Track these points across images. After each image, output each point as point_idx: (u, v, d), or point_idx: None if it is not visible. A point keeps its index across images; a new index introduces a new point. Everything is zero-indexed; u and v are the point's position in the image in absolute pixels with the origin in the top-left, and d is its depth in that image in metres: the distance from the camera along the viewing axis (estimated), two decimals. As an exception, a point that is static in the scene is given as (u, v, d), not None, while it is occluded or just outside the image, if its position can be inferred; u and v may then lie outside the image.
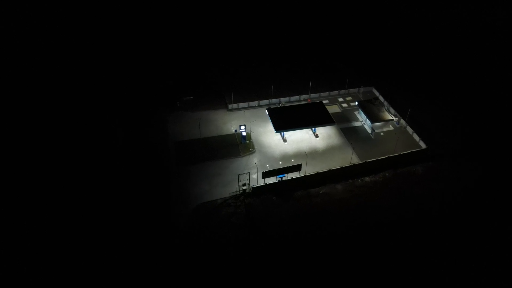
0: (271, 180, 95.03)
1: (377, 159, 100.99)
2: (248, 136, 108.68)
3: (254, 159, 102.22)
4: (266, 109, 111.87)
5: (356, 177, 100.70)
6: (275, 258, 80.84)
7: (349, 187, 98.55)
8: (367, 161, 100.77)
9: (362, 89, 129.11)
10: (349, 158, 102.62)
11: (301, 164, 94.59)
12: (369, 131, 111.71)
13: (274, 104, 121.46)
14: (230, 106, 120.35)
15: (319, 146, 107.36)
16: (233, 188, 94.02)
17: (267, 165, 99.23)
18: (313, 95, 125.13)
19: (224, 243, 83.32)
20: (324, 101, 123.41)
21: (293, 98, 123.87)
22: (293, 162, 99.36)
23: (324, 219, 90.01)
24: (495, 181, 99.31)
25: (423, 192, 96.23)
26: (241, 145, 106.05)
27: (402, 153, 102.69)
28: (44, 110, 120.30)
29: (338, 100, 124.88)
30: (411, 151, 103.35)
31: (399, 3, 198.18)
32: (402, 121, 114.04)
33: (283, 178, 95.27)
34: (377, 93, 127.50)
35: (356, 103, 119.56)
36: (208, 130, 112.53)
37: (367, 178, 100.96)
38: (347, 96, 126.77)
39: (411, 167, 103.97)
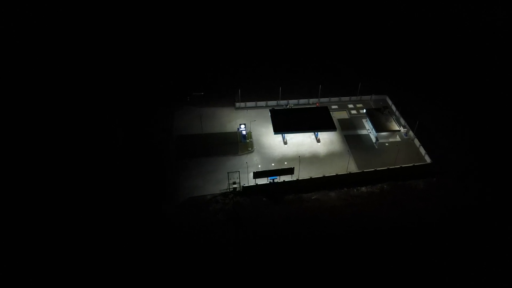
0: (263, 181, 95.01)
1: (375, 170, 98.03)
2: (249, 135, 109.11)
3: (250, 159, 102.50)
4: (270, 110, 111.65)
5: (352, 186, 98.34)
6: (258, 257, 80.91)
7: (343, 196, 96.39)
8: (365, 170, 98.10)
9: (374, 97, 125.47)
10: (344, 165, 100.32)
11: (293, 167, 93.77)
12: (374, 140, 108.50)
13: (282, 105, 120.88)
14: (237, 104, 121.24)
15: (319, 151, 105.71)
16: (224, 186, 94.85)
17: (259, 166, 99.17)
18: (322, 100, 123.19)
19: (207, 239, 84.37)
20: (333, 106, 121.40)
21: (302, 101, 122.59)
22: (286, 165, 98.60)
23: (314, 224, 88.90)
24: (501, 204, 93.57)
25: (425, 207, 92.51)
26: (241, 144, 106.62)
27: (403, 165, 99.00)
28: (44, 110, 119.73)
29: (348, 106, 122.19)
30: (414, 165, 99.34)
31: (403, 5, 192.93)
32: (411, 133, 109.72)
33: (275, 180, 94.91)
34: (390, 102, 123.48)
35: (364, 110, 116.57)
36: (212, 126, 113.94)
37: (363, 188, 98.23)
38: (358, 103, 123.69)
39: (412, 181, 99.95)
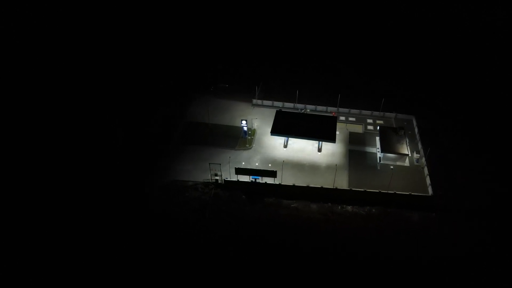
0: (247, 178, 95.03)
1: (365, 190, 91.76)
2: (253, 132, 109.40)
3: (241, 155, 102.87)
4: (276, 110, 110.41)
5: (338, 202, 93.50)
6: (216, 253, 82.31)
7: (324, 210, 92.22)
8: (353, 189, 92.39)
9: (399, 115, 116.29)
10: (339, 180, 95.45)
11: (276, 171, 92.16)
12: (378, 160, 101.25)
13: (298, 109, 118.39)
14: (254, 101, 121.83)
15: (315, 161, 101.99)
16: (209, 176, 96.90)
17: (243, 163, 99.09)
18: (341, 110, 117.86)
19: (173, 225, 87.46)
20: (351, 119, 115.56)
21: (319, 107, 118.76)
22: (270, 167, 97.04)
23: (284, 231, 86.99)
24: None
25: (410, 243, 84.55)
26: (241, 140, 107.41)
27: (397, 192, 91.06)
28: (44, 110, 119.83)
29: (366, 121, 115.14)
30: (410, 194, 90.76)
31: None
32: (423, 160, 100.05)
33: (257, 180, 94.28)
34: (414, 123, 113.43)
35: (378, 127, 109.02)
36: (221, 118, 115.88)
37: (349, 208, 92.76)
38: (380, 119, 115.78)
39: (406, 210, 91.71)
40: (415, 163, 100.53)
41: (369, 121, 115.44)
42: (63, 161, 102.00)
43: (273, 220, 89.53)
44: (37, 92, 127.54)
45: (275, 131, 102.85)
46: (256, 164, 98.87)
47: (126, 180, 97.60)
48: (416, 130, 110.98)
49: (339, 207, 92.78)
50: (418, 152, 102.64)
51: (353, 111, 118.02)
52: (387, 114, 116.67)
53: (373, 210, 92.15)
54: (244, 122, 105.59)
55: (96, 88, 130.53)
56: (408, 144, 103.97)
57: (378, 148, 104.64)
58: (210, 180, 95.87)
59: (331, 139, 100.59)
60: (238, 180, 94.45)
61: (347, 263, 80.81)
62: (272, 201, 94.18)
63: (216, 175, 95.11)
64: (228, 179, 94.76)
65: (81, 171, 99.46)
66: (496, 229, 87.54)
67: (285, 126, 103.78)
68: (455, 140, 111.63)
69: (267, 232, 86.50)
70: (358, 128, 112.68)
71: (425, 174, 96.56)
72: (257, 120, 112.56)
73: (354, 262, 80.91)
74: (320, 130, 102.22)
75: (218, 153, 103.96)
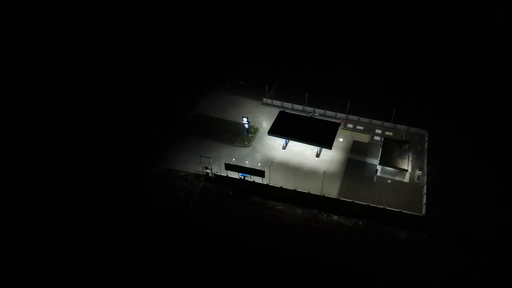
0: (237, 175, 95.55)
1: (353, 202, 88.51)
2: (255, 130, 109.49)
3: (240, 152, 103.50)
4: (280, 111, 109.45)
5: (324, 211, 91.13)
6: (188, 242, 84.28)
7: (309, 216, 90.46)
8: (341, 198, 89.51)
9: (411, 129, 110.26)
10: (331, 188, 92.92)
11: (264, 171, 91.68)
12: (378, 172, 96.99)
13: (307, 112, 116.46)
14: (264, 100, 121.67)
15: (311, 166, 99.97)
16: (210, 166, 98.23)
17: (233, 159, 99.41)
18: (351, 117, 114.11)
19: (156, 210, 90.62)
20: (359, 127, 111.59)
21: (328, 113, 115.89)
22: (259, 166, 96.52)
23: (261, 231, 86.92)
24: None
25: (394, 260, 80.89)
26: (242, 136, 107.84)
27: (386, 207, 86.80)
28: (44, 110, 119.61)
29: (375, 131, 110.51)
30: (400, 211, 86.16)
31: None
32: (424, 179, 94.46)
33: (246, 178, 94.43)
34: (426, 138, 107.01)
35: (382, 138, 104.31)
36: (229, 114, 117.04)
37: (335, 217, 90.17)
38: (390, 131, 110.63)
39: (394, 228, 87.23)
40: (416, 180, 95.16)
41: (378, 131, 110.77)
42: (63, 160, 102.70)
43: (255, 219, 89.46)
44: (38, 92, 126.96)
45: (273, 132, 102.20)
46: (246, 162, 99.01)
47: (123, 167, 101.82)
48: (426, 145, 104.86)
49: (325, 216, 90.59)
50: (421, 169, 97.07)
51: (363, 119, 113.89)
52: (399, 126, 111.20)
53: (360, 223, 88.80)
54: (245, 119, 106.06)
55: (96, 89, 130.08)
56: (410, 159, 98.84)
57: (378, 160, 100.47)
58: (201, 173, 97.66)
59: (328, 145, 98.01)
60: (227, 176, 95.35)
61: (319, 272, 79.01)
62: (258, 200, 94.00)
63: (206, 168, 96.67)
64: (218, 174, 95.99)
65: (81, 170, 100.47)
66: (489, 261, 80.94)
67: (284, 128, 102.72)
68: (466, 160, 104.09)
69: (245, 230, 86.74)
70: (364, 138, 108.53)
71: (423, 193, 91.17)
72: (257, 118, 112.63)
73: (327, 273, 78.91)
74: (319, 135, 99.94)
75: (216, 147, 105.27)
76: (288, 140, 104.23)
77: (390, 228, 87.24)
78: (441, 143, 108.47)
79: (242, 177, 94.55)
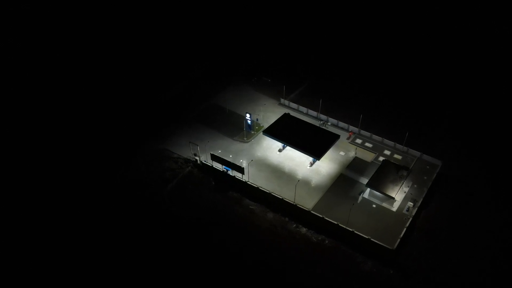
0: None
1: (323, 217, 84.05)
2: (258, 128, 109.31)
3: (236, 147, 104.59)
4: (285, 113, 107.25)
5: (296, 221, 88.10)
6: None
7: (278, 222, 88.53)
8: (312, 211, 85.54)
9: (425, 157, 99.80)
10: (310, 200, 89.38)
11: (243, 168, 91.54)
12: (363, 194, 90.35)
13: (319, 120, 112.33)
14: (282, 100, 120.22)
15: (299, 173, 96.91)
16: (196, 155, 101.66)
17: (219, 151, 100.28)
18: (363, 132, 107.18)
19: (137, 187, 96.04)
20: (368, 144, 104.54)
21: (341, 124, 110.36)
22: (241, 162, 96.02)
23: (223, 226, 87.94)
24: None
25: None
26: (243, 132, 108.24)
27: (356, 231, 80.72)
28: (45, 111, 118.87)
29: (383, 153, 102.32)
30: (369, 238, 79.52)
31: None
32: (412, 211, 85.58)
33: (228, 172, 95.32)
34: (437, 169, 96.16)
35: (382, 159, 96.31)
36: (244, 108, 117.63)
37: (303, 229, 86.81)
38: (400, 155, 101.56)
39: (362, 255, 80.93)
40: (404, 211, 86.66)
41: (387, 152, 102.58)
42: (64, 161, 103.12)
43: (224, 213, 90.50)
44: (38, 92, 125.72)
45: (268, 132, 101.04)
46: (230, 156, 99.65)
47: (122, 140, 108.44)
48: (433, 176, 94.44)
49: (294, 225, 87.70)
50: (414, 202, 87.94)
51: (375, 137, 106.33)
52: (412, 151, 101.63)
53: (326, 241, 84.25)
54: (248, 115, 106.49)
55: (97, 89, 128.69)
56: (405, 188, 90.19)
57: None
58: (191, 158, 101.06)
59: (317, 155, 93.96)
60: (212, 166, 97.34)
61: (261, 280, 77.68)
62: (235, 196, 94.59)
63: (195, 155, 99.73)
64: (205, 162, 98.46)
65: (82, 171, 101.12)
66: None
67: (281, 130, 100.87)
68: (476, 206, 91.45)
69: (213, 224, 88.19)
70: (368, 156, 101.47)
71: (404, 226, 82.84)
72: (259, 116, 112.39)
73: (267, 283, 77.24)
74: (312, 144, 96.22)
75: (216, 137, 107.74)
76: (284, 144, 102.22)
77: (357, 254, 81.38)
78: (455, 179, 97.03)
79: (225, 170, 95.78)
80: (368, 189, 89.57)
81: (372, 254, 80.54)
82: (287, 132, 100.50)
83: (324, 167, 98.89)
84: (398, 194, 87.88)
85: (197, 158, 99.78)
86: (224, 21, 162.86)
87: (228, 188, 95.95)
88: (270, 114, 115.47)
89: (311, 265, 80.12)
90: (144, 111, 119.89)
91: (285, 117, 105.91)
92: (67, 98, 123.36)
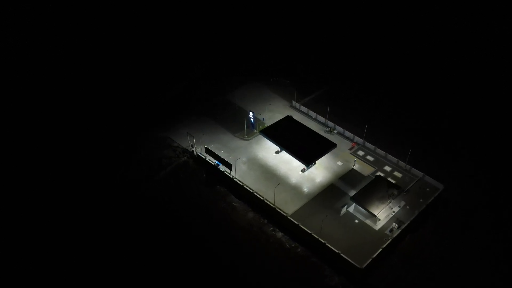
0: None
1: (298, 225, 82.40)
2: (262, 128, 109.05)
3: (235, 143, 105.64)
4: (287, 115, 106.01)
5: (275, 224, 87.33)
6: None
7: (255, 223, 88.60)
8: (289, 216, 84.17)
9: (427, 178, 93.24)
10: (291, 205, 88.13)
11: (231, 164, 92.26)
12: (349, 208, 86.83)
13: (327, 126, 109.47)
14: (293, 102, 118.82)
15: (290, 177, 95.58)
16: (197, 147, 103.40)
17: (212, 145, 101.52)
18: (368, 144, 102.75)
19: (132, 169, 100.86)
20: (370, 157, 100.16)
21: (347, 133, 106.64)
22: (230, 159, 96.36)
23: (201, 219, 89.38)
24: None
25: None
26: (245, 130, 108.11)
27: (327, 244, 78.07)
28: (45, 111, 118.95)
29: (383, 169, 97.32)
30: (339, 253, 76.53)
31: None
32: (395, 232, 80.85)
33: (219, 167, 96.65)
34: (436, 193, 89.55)
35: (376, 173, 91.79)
36: (253, 106, 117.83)
37: (279, 234, 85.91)
38: (401, 173, 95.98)
39: (330, 269, 78.33)
40: (387, 232, 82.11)
41: (387, 168, 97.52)
42: (64, 162, 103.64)
43: (206, 207, 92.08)
44: (37, 92, 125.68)
45: (265, 132, 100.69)
46: (221, 151, 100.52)
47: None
48: (429, 200, 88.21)
49: (271, 229, 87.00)
50: (400, 224, 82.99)
51: (379, 151, 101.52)
52: (415, 170, 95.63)
53: (299, 249, 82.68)
54: (251, 113, 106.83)
55: (98, 90, 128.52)
56: (393, 208, 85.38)
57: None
58: (189, 149, 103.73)
59: (306, 162, 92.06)
60: (205, 159, 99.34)
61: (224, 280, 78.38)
62: (222, 191, 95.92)
63: (192, 146, 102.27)
64: (200, 155, 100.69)
65: (82, 172, 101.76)
66: None
67: (279, 132, 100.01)
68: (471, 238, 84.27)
69: (192, 217, 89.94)
70: (367, 170, 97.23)
71: (381, 247, 78.57)
72: (265, 116, 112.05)
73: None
74: (305, 150, 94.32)
75: (218, 132, 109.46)
76: (279, 146, 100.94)
77: (325, 267, 78.92)
78: (456, 206, 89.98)
79: (216, 165, 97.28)
80: (354, 205, 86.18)
81: (341, 270, 77.75)
82: (285, 134, 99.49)
83: (318, 175, 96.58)
84: (383, 213, 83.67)
85: (194, 149, 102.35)
86: (224, 21, 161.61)
87: (217, 182, 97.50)
88: (279, 115, 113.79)
89: (276, 269, 79.25)
90: (147, 107, 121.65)
91: (287, 119, 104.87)
92: (67, 98, 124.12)
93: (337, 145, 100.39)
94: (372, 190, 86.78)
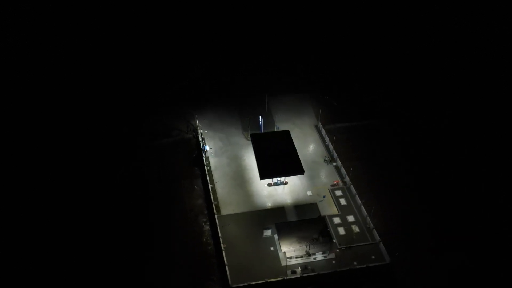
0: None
1: (218, 226, 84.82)
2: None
3: (235, 140, 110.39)
4: (287, 130, 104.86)
5: (208, 217, 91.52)
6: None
7: (197, 209, 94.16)
8: (217, 216, 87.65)
9: (380, 245, 79.54)
10: (234, 206, 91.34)
11: (207, 150, 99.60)
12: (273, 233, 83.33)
13: (327, 156, 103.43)
14: (318, 123, 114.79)
15: (253, 185, 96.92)
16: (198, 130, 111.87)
17: (206, 131, 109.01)
18: (352, 188, 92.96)
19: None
20: (343, 202, 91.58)
21: (343, 169, 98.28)
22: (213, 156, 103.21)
23: (160, 199, 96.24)
24: None
25: None
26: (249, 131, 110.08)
27: (223, 250, 78.77)
28: (45, 111, 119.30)
29: (346, 217, 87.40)
30: (226, 264, 76.68)
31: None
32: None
33: (205, 150, 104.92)
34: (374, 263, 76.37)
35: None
36: (281, 113, 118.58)
37: (207, 227, 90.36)
38: (360, 228, 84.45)
39: (217, 275, 79.52)
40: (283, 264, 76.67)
41: (350, 218, 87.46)
42: (65, 162, 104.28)
43: (173, 183, 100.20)
44: (37, 92, 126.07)
45: (253, 137, 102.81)
46: (209, 147, 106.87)
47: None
48: (359, 267, 76.34)
49: (205, 219, 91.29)
50: (306, 271, 75.88)
51: (357, 199, 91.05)
52: (375, 233, 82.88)
53: (210, 247, 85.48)
54: (260, 118, 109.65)
55: (99, 90, 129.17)
56: (303, 253, 78.65)
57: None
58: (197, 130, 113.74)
59: (260, 175, 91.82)
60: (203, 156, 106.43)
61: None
62: (197, 173, 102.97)
63: (194, 136, 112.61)
64: (199, 138, 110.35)
65: (83, 172, 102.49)
66: None
67: (264, 140, 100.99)
68: None
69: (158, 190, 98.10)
70: (331, 210, 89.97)
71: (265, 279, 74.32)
72: (276, 126, 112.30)
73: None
74: (272, 166, 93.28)
75: (232, 124, 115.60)
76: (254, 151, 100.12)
77: (216, 272, 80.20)
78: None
79: (202, 148, 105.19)
80: (275, 235, 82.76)
81: (225, 282, 77.66)
82: (268, 144, 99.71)
83: (279, 195, 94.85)
84: (294, 252, 77.91)
85: (199, 130, 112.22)
86: (224, 21, 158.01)
87: (199, 164, 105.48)
88: (300, 133, 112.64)
89: (178, 256, 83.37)
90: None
91: (283, 133, 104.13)
92: (67, 98, 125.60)
93: (322, 177, 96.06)
94: (302, 227, 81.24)
